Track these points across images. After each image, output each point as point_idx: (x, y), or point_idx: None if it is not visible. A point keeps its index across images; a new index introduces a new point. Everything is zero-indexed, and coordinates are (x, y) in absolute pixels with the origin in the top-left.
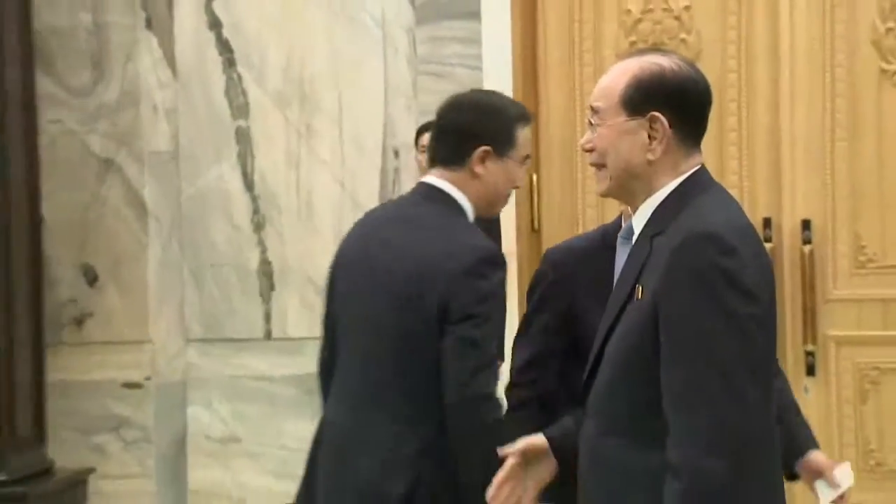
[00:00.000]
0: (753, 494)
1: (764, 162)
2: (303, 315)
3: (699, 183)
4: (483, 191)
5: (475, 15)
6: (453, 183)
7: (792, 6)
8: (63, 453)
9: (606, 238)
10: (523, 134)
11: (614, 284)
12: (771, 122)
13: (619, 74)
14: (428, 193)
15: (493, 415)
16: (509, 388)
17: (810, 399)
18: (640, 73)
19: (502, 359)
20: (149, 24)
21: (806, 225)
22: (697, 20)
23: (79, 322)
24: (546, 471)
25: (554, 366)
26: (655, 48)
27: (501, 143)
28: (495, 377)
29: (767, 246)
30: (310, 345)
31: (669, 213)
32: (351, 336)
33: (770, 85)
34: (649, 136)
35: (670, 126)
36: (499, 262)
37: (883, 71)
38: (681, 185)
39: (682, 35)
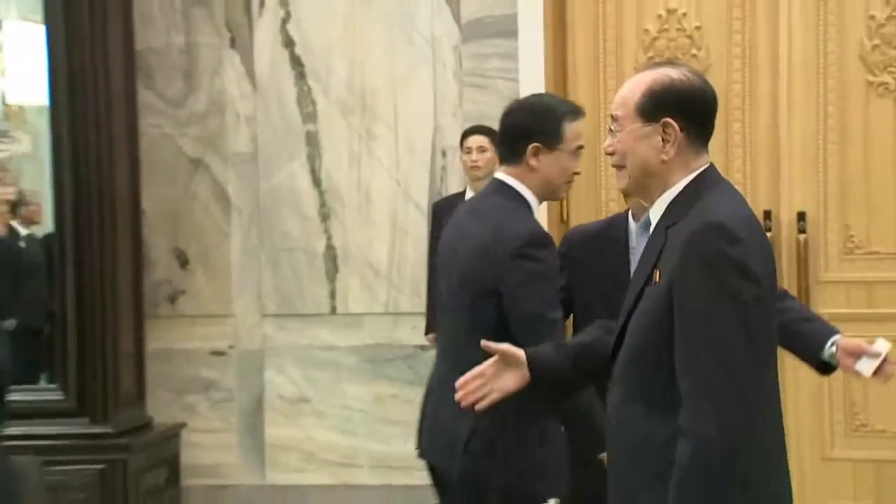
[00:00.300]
0: (752, 456)
1: (765, 162)
2: (363, 293)
3: (709, 179)
4: (541, 181)
5: (513, 34)
6: (515, 177)
7: (790, 26)
8: (160, 411)
9: (612, 226)
10: (572, 128)
11: (632, 270)
12: (771, 127)
13: (634, 86)
14: (496, 187)
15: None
16: None
17: (804, 366)
18: (654, 84)
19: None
20: (232, 43)
21: (801, 216)
22: (707, 38)
23: (172, 299)
24: (513, 381)
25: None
26: (668, 61)
27: (550, 138)
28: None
29: (768, 234)
30: (369, 319)
31: (683, 206)
32: (440, 306)
33: (770, 95)
34: (663, 140)
35: (681, 130)
36: (543, 243)
37: (869, 83)
38: (692, 181)
39: (694, 51)
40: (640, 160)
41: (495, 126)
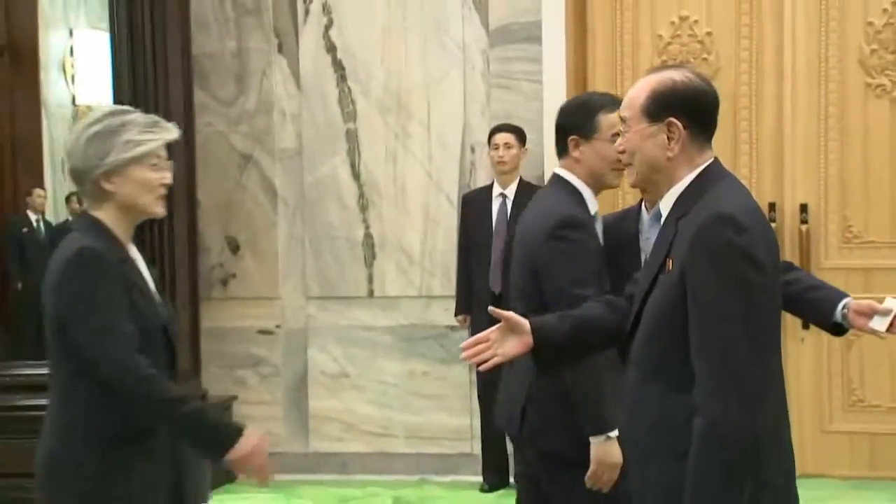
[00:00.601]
0: (763, 433)
1: (770, 158)
2: (398, 277)
3: (715, 173)
4: (587, 171)
5: (537, 39)
6: (567, 168)
7: (794, 33)
8: (214, 384)
9: (627, 218)
10: (608, 118)
11: (644, 259)
12: (776, 125)
13: (640, 89)
14: (551, 180)
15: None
16: None
17: (805, 347)
18: (657, 86)
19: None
20: (280, 48)
21: (804, 208)
22: (717, 43)
23: (224, 282)
24: (516, 347)
25: None
26: (671, 65)
27: (586, 129)
28: None
29: (772, 225)
30: (403, 301)
31: (691, 198)
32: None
33: (776, 96)
34: (668, 138)
35: (684, 128)
36: (575, 224)
37: (867, 84)
38: (698, 175)
39: (704, 55)
40: (648, 157)
41: (521, 124)
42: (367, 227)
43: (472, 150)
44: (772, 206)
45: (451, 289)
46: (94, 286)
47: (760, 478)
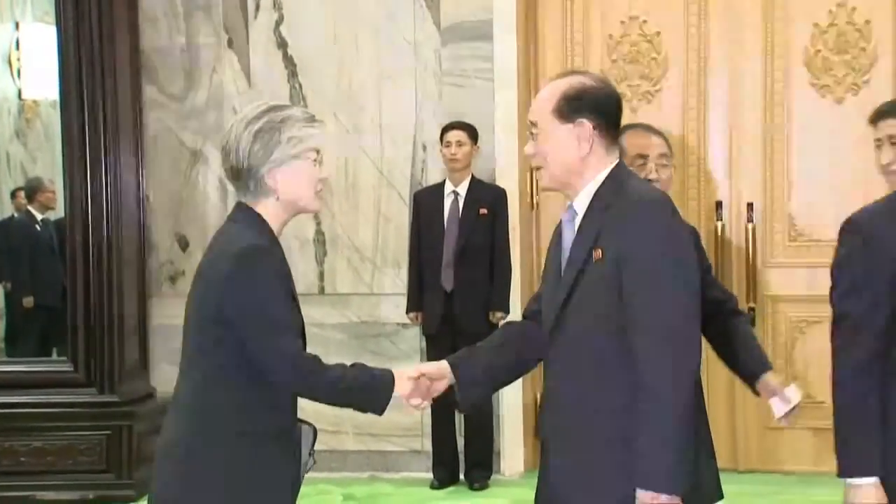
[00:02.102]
0: (695, 392)
1: (718, 157)
2: (349, 275)
3: (626, 171)
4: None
5: (489, 37)
6: None
7: (741, 32)
8: (163, 382)
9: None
10: None
11: (563, 252)
12: (724, 124)
13: (550, 92)
14: None
15: None
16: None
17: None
18: (568, 88)
19: None
20: (230, 44)
21: (750, 207)
22: (665, 43)
23: (173, 279)
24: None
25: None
26: (576, 70)
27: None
28: None
29: (719, 224)
30: (355, 299)
31: (611, 191)
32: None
33: (725, 93)
34: (578, 138)
35: (594, 128)
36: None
37: (812, 84)
38: (612, 172)
39: (653, 55)
40: (560, 158)
41: (473, 122)
42: (318, 224)
43: (424, 147)
44: (719, 205)
45: (403, 286)
46: (268, 283)
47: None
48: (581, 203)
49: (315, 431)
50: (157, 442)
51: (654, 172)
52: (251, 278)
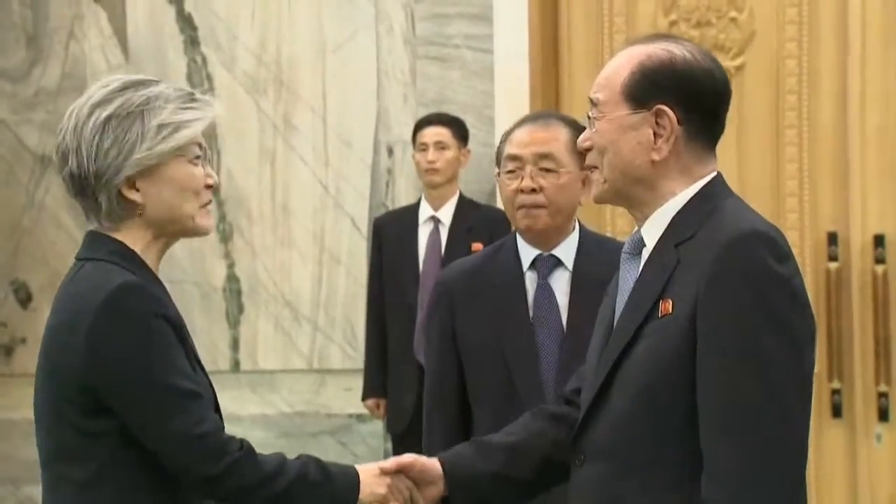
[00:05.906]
0: None
1: (828, 166)
2: (277, 342)
3: (722, 190)
4: None
5: None
6: None
7: None
8: None
9: (497, 256)
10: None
11: (617, 302)
12: (837, 118)
13: (623, 62)
14: None
15: None
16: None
17: (882, 448)
18: (647, 60)
19: None
20: None
21: (879, 241)
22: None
23: (8, 350)
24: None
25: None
26: (668, 35)
27: None
28: None
29: (833, 265)
30: (285, 378)
31: (695, 218)
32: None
33: (836, 74)
34: (654, 133)
35: (679, 122)
36: None
37: None
38: (701, 191)
39: (732, 13)
40: (623, 159)
41: (461, 114)
42: (230, 267)
43: (390, 151)
44: (832, 238)
45: (358, 359)
46: (149, 335)
47: None
48: (652, 231)
49: None
50: None
51: (530, 180)
52: (125, 332)
